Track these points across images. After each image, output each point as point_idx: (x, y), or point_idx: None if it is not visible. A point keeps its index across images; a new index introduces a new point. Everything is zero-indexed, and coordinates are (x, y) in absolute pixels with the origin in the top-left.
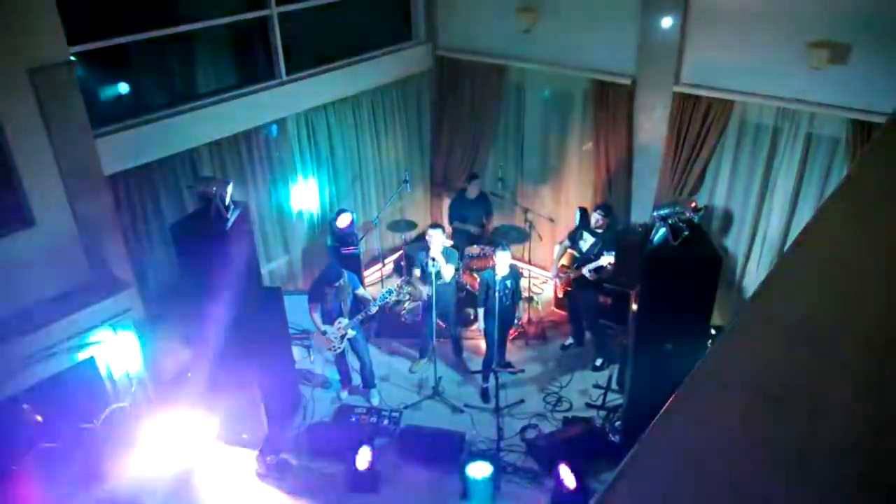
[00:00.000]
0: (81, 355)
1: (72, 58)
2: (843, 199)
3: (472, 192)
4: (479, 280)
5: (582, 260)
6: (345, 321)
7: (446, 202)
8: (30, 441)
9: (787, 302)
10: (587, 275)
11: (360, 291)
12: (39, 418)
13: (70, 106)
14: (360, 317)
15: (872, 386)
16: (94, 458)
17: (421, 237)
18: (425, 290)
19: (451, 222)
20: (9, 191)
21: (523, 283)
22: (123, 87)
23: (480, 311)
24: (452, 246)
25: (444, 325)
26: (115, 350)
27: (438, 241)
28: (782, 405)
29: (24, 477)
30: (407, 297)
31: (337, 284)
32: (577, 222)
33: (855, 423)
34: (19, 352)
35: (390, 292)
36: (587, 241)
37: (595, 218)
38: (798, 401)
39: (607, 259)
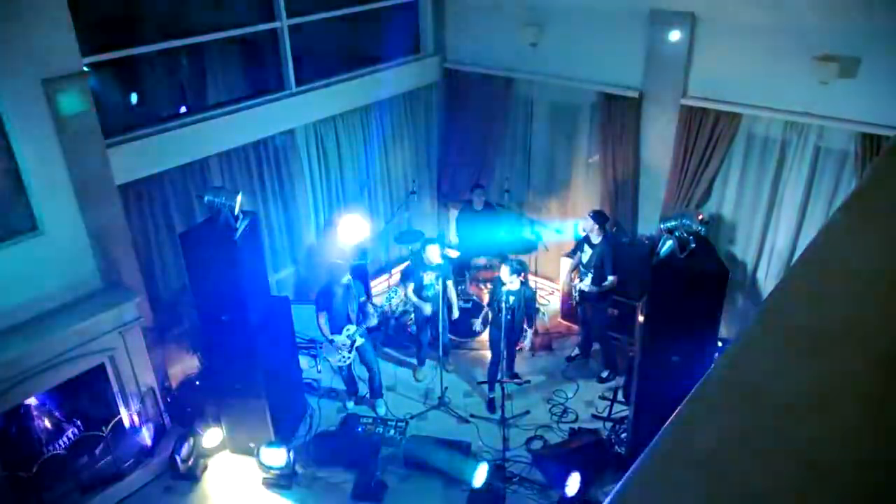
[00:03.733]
0: (91, 363)
1: (85, 68)
2: (853, 211)
3: (478, 203)
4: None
5: (585, 273)
6: (353, 328)
7: (453, 213)
8: (39, 447)
9: (796, 313)
10: (586, 289)
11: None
12: (48, 424)
13: (83, 116)
14: (370, 319)
15: (881, 398)
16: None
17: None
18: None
19: (458, 233)
20: (21, 199)
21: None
22: (135, 98)
23: (482, 315)
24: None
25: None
26: (124, 358)
27: (435, 255)
28: (791, 415)
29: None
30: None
31: (345, 283)
32: (577, 235)
33: (866, 434)
34: (29, 359)
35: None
36: (587, 254)
37: (587, 224)
38: (807, 411)
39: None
